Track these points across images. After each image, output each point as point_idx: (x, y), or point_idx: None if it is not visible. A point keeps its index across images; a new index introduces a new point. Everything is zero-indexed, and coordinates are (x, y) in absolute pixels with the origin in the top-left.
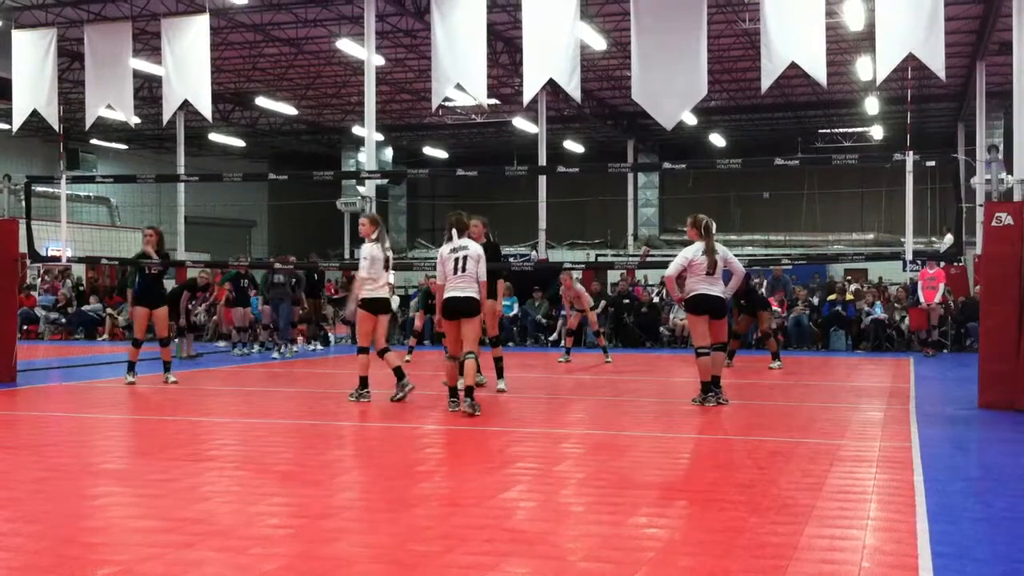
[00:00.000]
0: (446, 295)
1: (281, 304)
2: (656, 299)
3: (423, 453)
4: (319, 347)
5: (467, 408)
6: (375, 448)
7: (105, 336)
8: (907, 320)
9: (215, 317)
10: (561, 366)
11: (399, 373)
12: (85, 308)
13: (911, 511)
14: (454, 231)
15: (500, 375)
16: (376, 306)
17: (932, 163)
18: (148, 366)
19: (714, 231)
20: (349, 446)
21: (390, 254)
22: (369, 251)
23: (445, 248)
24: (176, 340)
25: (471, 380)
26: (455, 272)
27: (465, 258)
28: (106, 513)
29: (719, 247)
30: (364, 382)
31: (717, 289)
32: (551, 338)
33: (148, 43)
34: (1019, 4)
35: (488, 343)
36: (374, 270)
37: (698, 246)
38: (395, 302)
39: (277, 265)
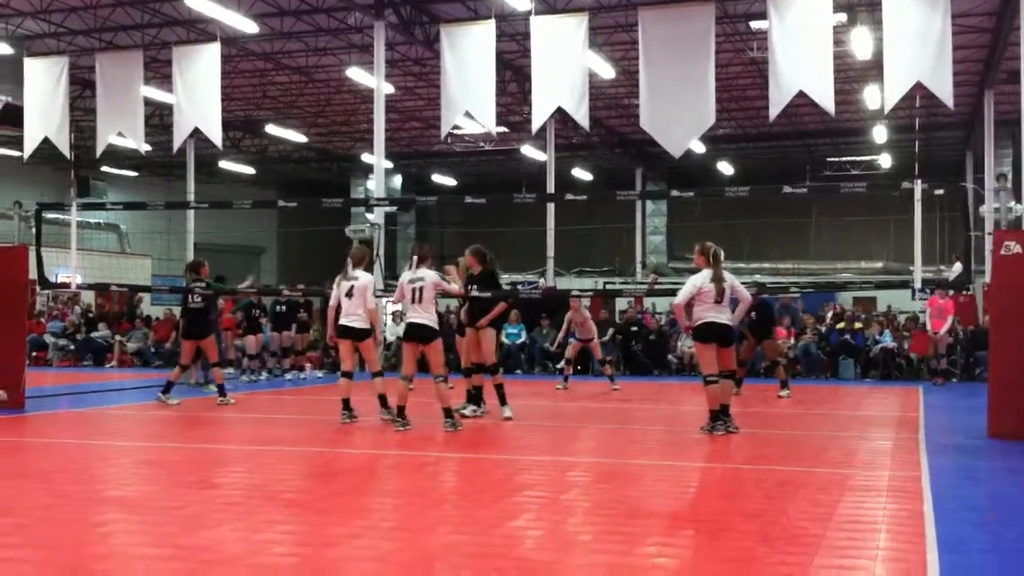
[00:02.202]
0: (406, 321)
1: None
2: (666, 327)
3: (430, 481)
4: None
5: (448, 427)
6: (382, 476)
7: (114, 363)
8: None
9: (222, 344)
10: (567, 394)
11: (381, 400)
12: (94, 335)
13: (921, 541)
14: (415, 259)
15: (503, 402)
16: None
17: (940, 191)
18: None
19: (722, 259)
20: (356, 474)
21: (351, 283)
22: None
23: (406, 276)
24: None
25: (446, 402)
26: (412, 302)
27: (421, 288)
28: (112, 540)
29: (726, 275)
30: (345, 404)
31: (724, 317)
32: (559, 366)
33: (159, 71)
34: None
35: (487, 371)
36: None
37: (706, 274)
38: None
39: (285, 292)
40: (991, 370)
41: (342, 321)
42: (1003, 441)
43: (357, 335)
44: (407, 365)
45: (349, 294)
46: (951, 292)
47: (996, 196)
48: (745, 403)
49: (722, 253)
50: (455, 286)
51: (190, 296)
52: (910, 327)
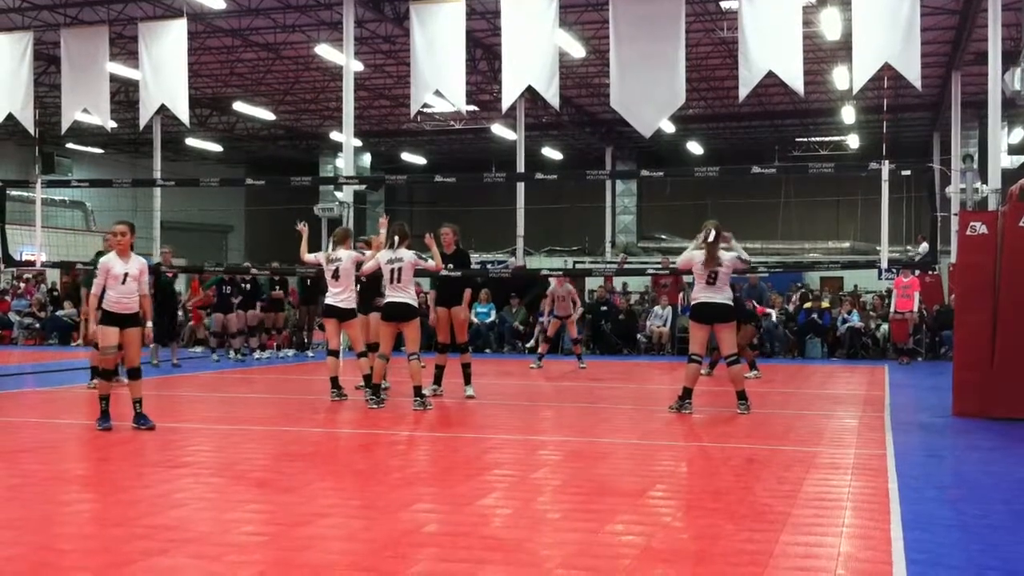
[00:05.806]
0: (386, 300)
1: None
2: (636, 306)
3: (399, 460)
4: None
5: (417, 407)
6: (351, 455)
7: (79, 341)
8: (883, 328)
9: (190, 323)
10: (537, 373)
11: (366, 380)
12: (59, 313)
13: (886, 518)
14: (396, 239)
15: (467, 381)
16: (329, 312)
17: (907, 172)
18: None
19: (711, 238)
20: (325, 453)
21: (336, 264)
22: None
23: (384, 255)
24: (151, 346)
25: (417, 380)
26: (391, 281)
27: (400, 269)
28: (79, 520)
29: (723, 255)
30: (334, 382)
31: (719, 296)
32: (528, 345)
33: (125, 47)
34: (994, 15)
35: (457, 350)
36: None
37: (703, 252)
38: None
39: (253, 271)
40: (956, 349)
41: (328, 301)
42: (967, 419)
43: (343, 315)
44: (384, 344)
45: (335, 275)
46: (916, 272)
47: (962, 177)
48: (715, 382)
49: (712, 233)
50: (432, 262)
51: None
52: (876, 305)
